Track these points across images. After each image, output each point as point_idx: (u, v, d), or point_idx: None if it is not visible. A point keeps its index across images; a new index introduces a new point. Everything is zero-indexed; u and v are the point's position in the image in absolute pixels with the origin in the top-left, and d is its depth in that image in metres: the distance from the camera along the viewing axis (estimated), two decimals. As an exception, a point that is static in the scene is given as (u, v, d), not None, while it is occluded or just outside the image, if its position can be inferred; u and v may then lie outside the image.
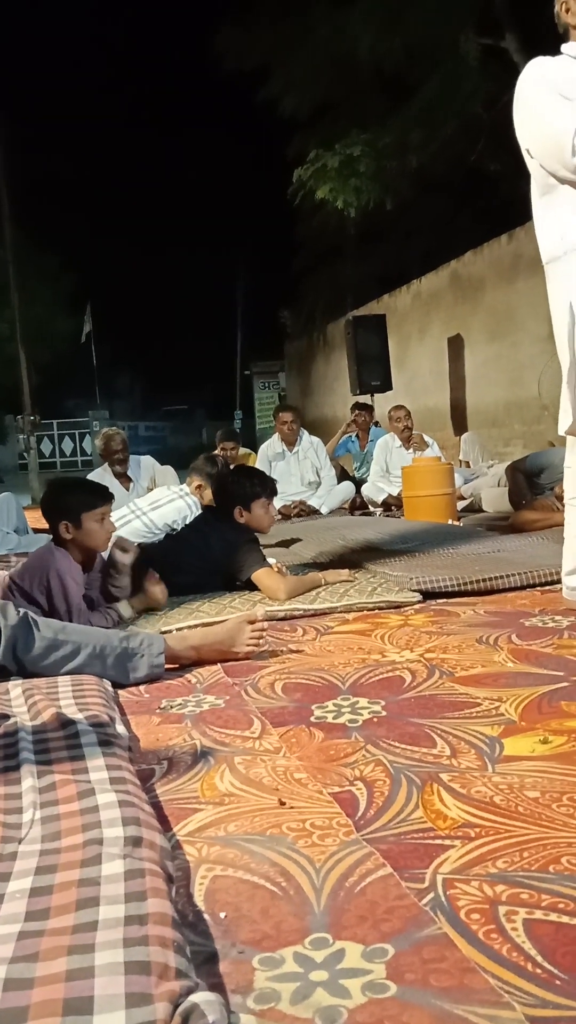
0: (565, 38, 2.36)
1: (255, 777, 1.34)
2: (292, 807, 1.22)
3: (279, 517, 5.72)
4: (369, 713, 1.61)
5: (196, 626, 2.39)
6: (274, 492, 3.08)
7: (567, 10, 2.31)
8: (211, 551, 2.91)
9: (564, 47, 2.35)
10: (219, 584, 2.89)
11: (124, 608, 2.56)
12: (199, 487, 3.75)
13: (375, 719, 1.57)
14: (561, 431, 2.34)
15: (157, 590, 2.66)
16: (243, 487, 3.01)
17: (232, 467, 3.18)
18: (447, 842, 1.09)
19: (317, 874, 1.03)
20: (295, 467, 6.11)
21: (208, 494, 3.65)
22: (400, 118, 10.69)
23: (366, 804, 1.22)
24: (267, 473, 3.23)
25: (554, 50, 2.37)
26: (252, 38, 11.75)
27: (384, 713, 1.60)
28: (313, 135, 11.84)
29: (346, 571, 3.02)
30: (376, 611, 2.60)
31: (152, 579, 2.66)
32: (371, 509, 6.17)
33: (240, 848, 1.11)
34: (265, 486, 3.03)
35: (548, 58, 2.33)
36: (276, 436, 6.20)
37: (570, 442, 2.40)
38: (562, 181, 2.25)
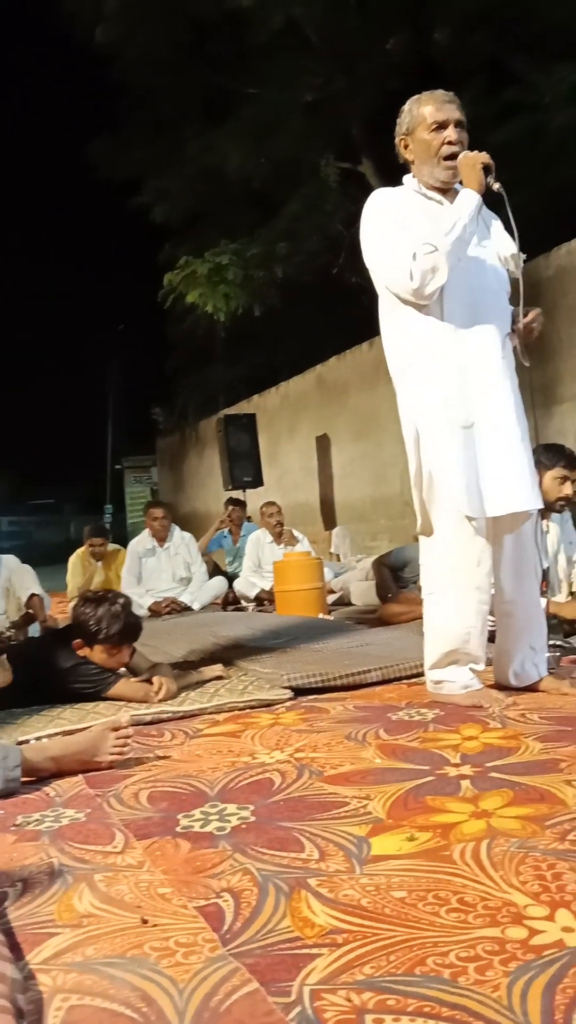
0: (408, 169, 2.59)
1: (116, 895, 1.28)
2: (155, 925, 1.17)
3: (148, 615, 5.64)
4: (237, 819, 1.57)
5: (56, 735, 2.29)
6: (110, 639, 2.66)
7: (405, 146, 2.54)
8: (54, 674, 2.68)
9: (405, 178, 2.58)
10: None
11: None
12: None
13: (243, 825, 1.54)
14: (418, 531, 2.47)
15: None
16: (88, 622, 2.65)
17: (97, 595, 2.74)
18: (314, 951, 1.07)
19: (181, 995, 0.99)
20: (166, 563, 6.06)
21: None
22: (267, 231, 11.31)
23: (233, 916, 1.18)
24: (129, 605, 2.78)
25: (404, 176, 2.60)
26: (124, 149, 12.25)
27: (253, 819, 1.57)
28: (183, 242, 12.32)
29: (219, 666, 2.99)
30: (247, 710, 2.58)
31: None
32: (244, 604, 6.17)
33: (99, 973, 1.05)
34: (111, 629, 2.63)
35: (389, 189, 2.57)
36: (147, 532, 6.16)
37: (422, 540, 2.52)
38: (404, 302, 2.44)
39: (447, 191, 2.51)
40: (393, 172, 2.64)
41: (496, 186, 2.41)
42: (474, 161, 2.41)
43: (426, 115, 2.46)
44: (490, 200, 2.47)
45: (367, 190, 2.58)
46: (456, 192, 2.50)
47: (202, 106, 11.86)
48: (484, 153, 2.41)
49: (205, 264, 11.32)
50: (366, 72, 10.26)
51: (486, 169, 2.40)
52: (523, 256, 2.53)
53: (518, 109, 9.17)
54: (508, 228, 2.52)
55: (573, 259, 6.65)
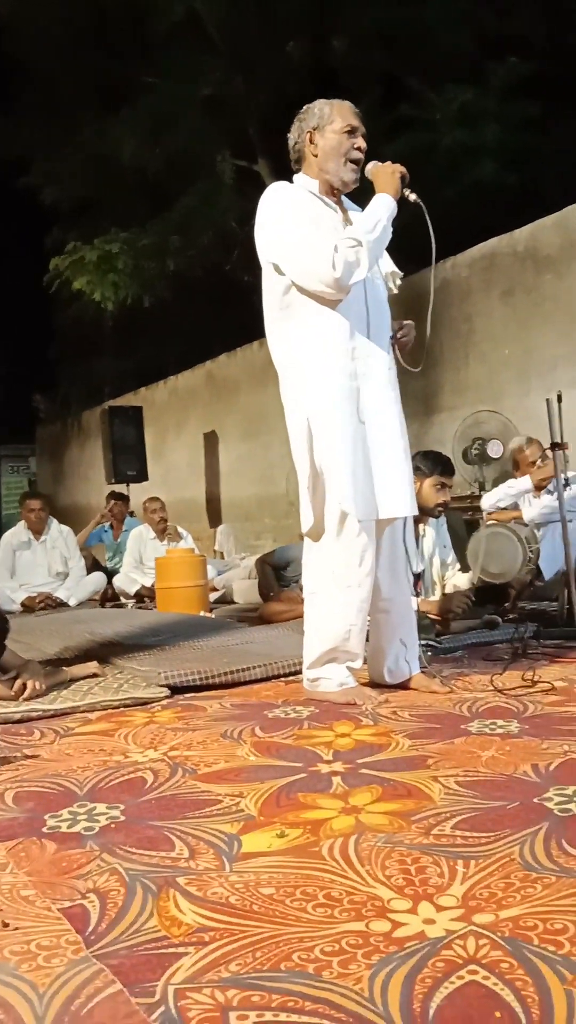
0: (298, 167, 2.60)
1: (-23, 899, 1.23)
2: (16, 928, 1.13)
3: (21, 610, 5.46)
4: (107, 819, 1.54)
5: None
6: None
7: (311, 140, 2.53)
8: None
9: (297, 178, 2.59)
10: None
11: None
12: None
13: (113, 825, 1.51)
14: (304, 531, 2.50)
15: None
16: None
17: None
18: (181, 949, 1.07)
19: (40, 1000, 0.96)
20: (42, 557, 5.89)
21: None
22: (159, 222, 11.15)
23: (98, 917, 1.16)
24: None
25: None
26: (13, 127, 11.77)
27: (123, 818, 1.55)
28: (73, 227, 11.98)
29: (94, 663, 2.93)
30: (122, 709, 2.54)
31: None
32: (123, 601, 6.07)
33: (-46, 983, 1.00)
34: None
35: (288, 185, 2.57)
36: (22, 524, 5.96)
37: (307, 540, 2.56)
38: (312, 295, 2.42)
39: (338, 200, 2.56)
40: (290, 174, 2.66)
41: (412, 197, 2.49)
42: (393, 169, 2.49)
43: (340, 117, 2.51)
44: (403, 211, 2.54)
45: (262, 190, 2.58)
46: (343, 203, 2.56)
47: (98, 91, 11.55)
48: (400, 165, 2.49)
49: (94, 251, 11.06)
50: (265, 73, 10.29)
51: (402, 179, 2.48)
52: (400, 275, 2.62)
53: (411, 125, 9.43)
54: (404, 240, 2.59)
55: (458, 272, 6.90)
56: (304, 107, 2.56)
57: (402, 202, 2.51)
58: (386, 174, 2.49)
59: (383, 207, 2.46)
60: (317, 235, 2.39)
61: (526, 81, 9.04)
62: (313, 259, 2.37)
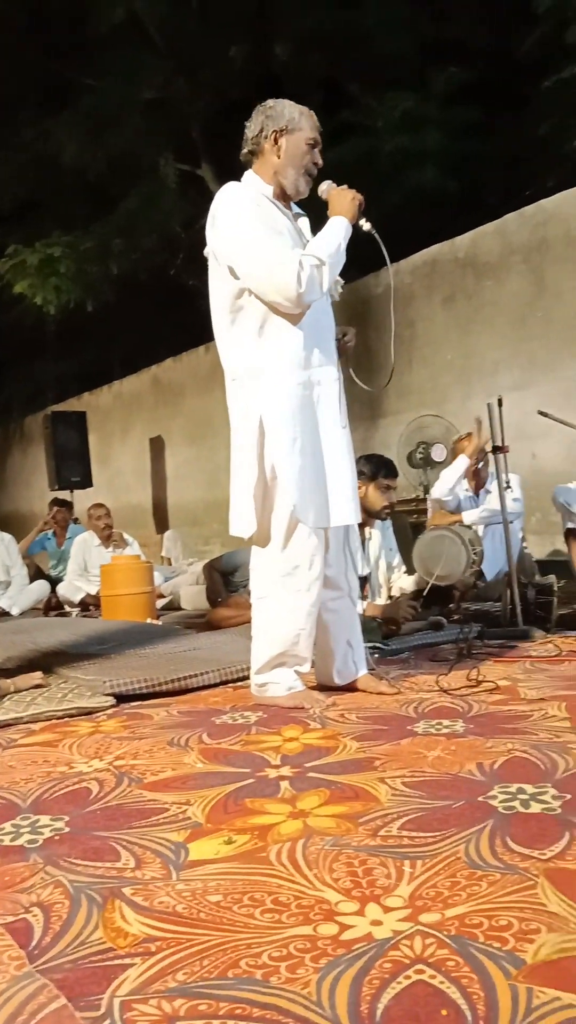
0: (251, 158, 2.57)
1: None
2: (-43, 947, 1.10)
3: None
4: (51, 831, 1.52)
5: None
6: None
7: (275, 141, 2.49)
8: None
9: (248, 177, 2.55)
10: None
11: None
12: None
13: (57, 837, 1.49)
14: (235, 533, 2.49)
15: None
16: None
17: None
18: (127, 961, 1.05)
19: (-18, 1021, 0.94)
20: (-16, 565, 5.77)
21: None
22: (102, 225, 11.04)
23: (42, 931, 1.14)
24: None
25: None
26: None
27: (67, 829, 1.52)
28: (13, 230, 11.76)
29: (38, 674, 2.88)
30: (66, 719, 2.49)
31: None
32: (67, 609, 5.98)
33: None
34: None
35: (243, 186, 2.52)
36: (-36, 532, 5.84)
37: (255, 545, 2.55)
38: (267, 303, 2.41)
39: (288, 205, 2.57)
40: (233, 177, 2.64)
41: (367, 226, 2.52)
42: (352, 196, 2.52)
43: (307, 126, 2.51)
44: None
45: (206, 194, 2.58)
46: (291, 208, 2.58)
47: (38, 92, 11.37)
48: (358, 192, 2.53)
49: (36, 254, 10.90)
50: (207, 77, 10.27)
51: (359, 207, 2.51)
52: (342, 282, 2.65)
53: (353, 131, 9.51)
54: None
55: (400, 279, 6.98)
56: (270, 102, 2.52)
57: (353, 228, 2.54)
58: (345, 200, 2.52)
59: (342, 231, 2.48)
60: (280, 247, 2.38)
61: (467, 87, 9.19)
62: (276, 272, 2.35)
